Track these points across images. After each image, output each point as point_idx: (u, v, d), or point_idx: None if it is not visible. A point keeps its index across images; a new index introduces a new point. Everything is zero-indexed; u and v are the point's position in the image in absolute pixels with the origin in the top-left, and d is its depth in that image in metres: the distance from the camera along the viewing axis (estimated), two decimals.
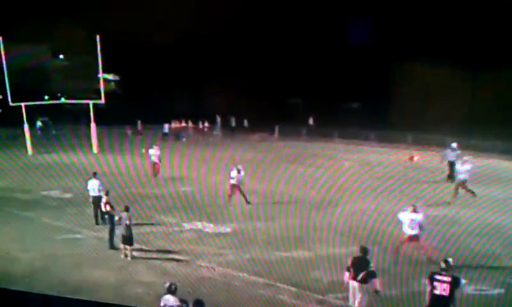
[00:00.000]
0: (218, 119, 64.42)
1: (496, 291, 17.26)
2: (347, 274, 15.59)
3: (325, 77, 63.89)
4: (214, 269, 19.25)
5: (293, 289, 17.29)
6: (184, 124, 64.22)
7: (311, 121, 61.83)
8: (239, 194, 28.45)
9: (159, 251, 21.09)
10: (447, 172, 34.35)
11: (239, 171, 28.55)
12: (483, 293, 17.13)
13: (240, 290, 17.31)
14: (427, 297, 14.02)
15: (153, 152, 35.16)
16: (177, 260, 20.17)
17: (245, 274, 18.56)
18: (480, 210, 25.50)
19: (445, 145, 40.85)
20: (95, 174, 25.97)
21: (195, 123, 65.40)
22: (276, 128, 61.60)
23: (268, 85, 66.81)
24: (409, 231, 19.90)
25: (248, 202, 28.17)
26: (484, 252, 20.29)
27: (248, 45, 65.59)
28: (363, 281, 15.25)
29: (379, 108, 58.31)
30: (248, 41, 65.39)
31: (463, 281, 17.00)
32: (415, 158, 42.73)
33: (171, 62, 69.16)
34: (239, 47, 66.33)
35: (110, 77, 65.60)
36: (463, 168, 29.41)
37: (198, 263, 19.82)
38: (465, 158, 30.88)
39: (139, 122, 60.79)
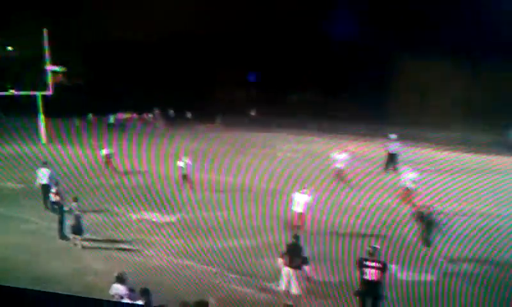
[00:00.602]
0: (157, 111, 64.29)
1: (428, 277, 17.60)
2: (280, 260, 15.78)
3: (268, 68, 64.01)
4: (162, 258, 19.29)
5: (240, 277, 17.39)
6: (130, 115, 63.52)
7: (253, 113, 61.82)
8: (184, 184, 28.64)
9: (108, 241, 20.98)
10: (384, 163, 34.34)
11: (185, 163, 28.70)
12: (415, 279, 17.43)
13: (188, 279, 17.34)
14: (359, 282, 14.25)
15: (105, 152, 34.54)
16: (126, 250, 20.11)
17: (192, 263, 18.61)
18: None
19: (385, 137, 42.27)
20: (45, 163, 25.77)
21: (141, 114, 64.82)
22: (219, 119, 61.48)
23: (212, 76, 66.61)
24: (297, 209, 22.18)
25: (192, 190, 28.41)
26: (416, 240, 20.66)
27: (193, 36, 65.18)
28: (297, 267, 15.47)
29: (319, 99, 58.96)
30: (193, 32, 64.98)
31: (394, 267, 17.56)
32: (351, 148, 43.27)
33: (119, 54, 68.34)
34: (184, 38, 65.90)
35: (58, 68, 64.28)
36: (339, 157, 30.51)
37: (147, 253, 19.82)
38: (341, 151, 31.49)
39: (91, 115, 60.16)
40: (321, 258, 18.70)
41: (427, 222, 20.12)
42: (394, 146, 34.74)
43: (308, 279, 15.51)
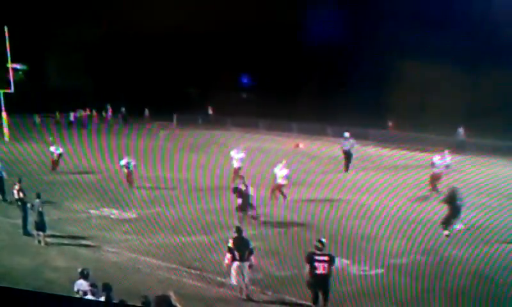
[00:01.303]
0: (109, 108, 63.93)
1: (377, 271, 17.86)
2: (228, 256, 15.74)
3: (220, 67, 63.70)
4: (121, 254, 19.41)
5: (195, 272, 17.50)
6: (88, 112, 62.72)
7: (210, 111, 61.71)
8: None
9: (70, 237, 21.00)
10: (342, 161, 34.14)
11: (128, 162, 28.86)
12: (365, 273, 17.70)
13: (146, 274, 17.48)
14: (307, 277, 14.37)
15: (53, 150, 33.64)
16: (87, 246, 20.16)
17: (150, 259, 18.72)
18: (361, 195, 26.64)
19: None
20: None
21: (99, 111, 64.11)
22: (175, 117, 61.31)
23: (166, 75, 66.05)
24: (280, 181, 25.69)
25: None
26: (363, 234, 21.10)
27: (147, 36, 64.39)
28: (246, 260, 15.59)
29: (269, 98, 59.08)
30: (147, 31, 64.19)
31: (347, 261, 18.02)
32: (300, 145, 43.83)
33: (79, 51, 67.24)
34: (138, 37, 65.04)
35: (18, 66, 63.16)
36: (238, 156, 30.32)
37: (106, 249, 19.91)
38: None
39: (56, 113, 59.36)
40: (271, 252, 19.08)
41: None
42: (347, 144, 34.40)
43: (250, 266, 15.71)
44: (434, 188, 27.67)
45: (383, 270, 17.98)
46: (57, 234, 21.18)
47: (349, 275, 17.25)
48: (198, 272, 17.48)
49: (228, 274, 16.13)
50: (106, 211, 24.51)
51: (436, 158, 28.78)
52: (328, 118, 48.55)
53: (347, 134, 34.65)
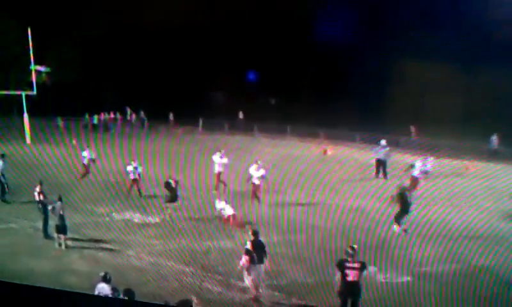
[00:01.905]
0: (131, 111, 64.28)
1: (404, 278, 17.80)
2: (246, 257, 15.88)
3: (246, 71, 63.84)
4: (143, 258, 19.45)
5: (218, 277, 17.55)
6: (112, 115, 63.29)
7: (241, 116, 61.00)
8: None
9: (91, 241, 21.11)
10: (374, 170, 33.38)
11: (134, 168, 28.40)
12: (392, 280, 17.62)
13: (168, 279, 17.51)
14: (338, 284, 14.25)
15: (86, 154, 32.72)
16: (108, 250, 20.26)
17: (172, 263, 18.79)
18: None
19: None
20: (2, 156, 26.13)
21: (123, 114, 64.60)
22: (200, 122, 61.30)
23: (191, 78, 66.22)
24: (255, 181, 26.45)
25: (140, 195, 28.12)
26: (391, 241, 21.09)
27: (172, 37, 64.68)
28: (262, 262, 15.82)
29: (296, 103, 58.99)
30: (171, 33, 64.48)
31: (374, 269, 17.83)
32: (328, 152, 43.61)
33: (99, 53, 67.81)
34: (163, 38, 65.35)
35: (41, 68, 63.82)
36: (221, 161, 29.61)
37: (128, 253, 19.98)
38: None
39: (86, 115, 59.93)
40: (298, 259, 19.00)
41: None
42: (382, 152, 33.65)
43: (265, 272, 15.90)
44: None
45: (410, 278, 17.90)
46: (79, 237, 21.32)
47: (375, 282, 17.13)
48: (221, 277, 17.50)
49: (241, 276, 16.28)
50: (129, 215, 24.62)
51: (418, 163, 29.33)
52: (354, 123, 48.45)
53: (383, 142, 34.04)
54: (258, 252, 15.82)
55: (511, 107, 40.57)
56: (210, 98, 68.48)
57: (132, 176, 28.30)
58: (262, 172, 27.04)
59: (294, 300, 16.06)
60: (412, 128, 48.61)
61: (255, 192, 26.97)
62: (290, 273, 17.77)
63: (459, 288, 17.12)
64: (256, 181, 26.91)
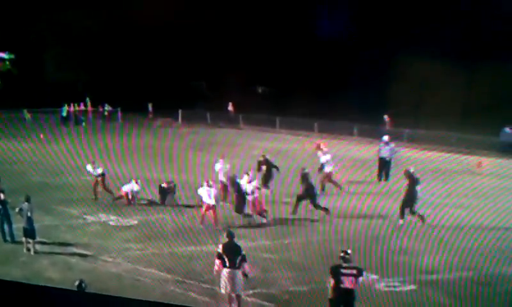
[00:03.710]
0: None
1: (408, 287, 17.73)
2: (217, 262, 15.66)
3: (231, 60, 63.74)
4: (121, 264, 19.44)
5: (203, 285, 17.44)
6: (82, 107, 62.48)
7: (230, 107, 60.61)
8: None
9: (63, 245, 21.09)
10: (376, 170, 32.32)
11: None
12: (395, 289, 17.57)
13: (148, 287, 17.49)
14: (331, 292, 14.08)
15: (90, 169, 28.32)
16: (82, 255, 20.19)
17: (153, 270, 18.76)
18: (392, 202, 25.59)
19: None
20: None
21: (94, 106, 63.83)
22: (180, 113, 61.17)
23: (171, 66, 66.05)
24: (208, 201, 23.28)
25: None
26: (395, 247, 20.96)
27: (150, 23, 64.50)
28: (238, 267, 15.47)
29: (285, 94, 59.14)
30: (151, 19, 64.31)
31: (376, 276, 17.89)
32: (322, 146, 43.14)
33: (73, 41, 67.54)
34: (140, 24, 65.14)
35: (3, 54, 63.34)
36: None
37: (104, 258, 19.93)
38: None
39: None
40: (290, 265, 19.09)
41: None
42: (386, 150, 32.45)
43: (245, 276, 15.65)
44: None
45: (415, 286, 17.82)
46: (50, 241, 21.25)
47: (375, 291, 17.09)
48: (208, 286, 17.32)
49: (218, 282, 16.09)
50: (104, 217, 24.52)
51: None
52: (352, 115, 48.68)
53: (386, 138, 33.10)
54: (231, 255, 15.50)
55: None
56: (192, 88, 68.37)
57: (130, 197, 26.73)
58: (254, 184, 25.03)
59: None
60: (386, 118, 48.47)
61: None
62: (281, 280, 17.81)
63: (472, 298, 17.16)
64: (250, 197, 24.66)
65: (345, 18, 56.50)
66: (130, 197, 26.51)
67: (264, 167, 29.13)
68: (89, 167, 27.70)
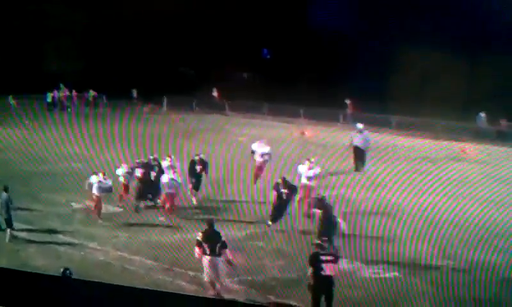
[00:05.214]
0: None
1: (392, 274, 17.92)
2: (197, 249, 15.98)
3: (214, 46, 63.36)
4: (108, 252, 19.53)
5: (191, 273, 17.53)
6: (67, 93, 61.84)
7: (215, 93, 59.90)
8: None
9: (49, 232, 21.19)
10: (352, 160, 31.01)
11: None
12: (379, 276, 17.76)
13: (136, 275, 17.62)
14: (310, 279, 14.49)
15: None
16: (69, 243, 20.28)
17: (141, 258, 18.87)
18: (378, 191, 26.09)
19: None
20: None
21: (80, 91, 63.19)
22: (165, 100, 60.94)
23: (157, 51, 65.52)
24: (167, 190, 23.08)
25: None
26: (379, 235, 21.02)
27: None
28: (219, 254, 15.75)
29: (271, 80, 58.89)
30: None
31: (358, 264, 18.08)
32: (306, 133, 43.32)
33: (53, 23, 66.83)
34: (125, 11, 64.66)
35: None
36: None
37: (91, 246, 20.00)
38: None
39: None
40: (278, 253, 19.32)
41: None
42: (360, 138, 31.04)
43: (229, 262, 15.95)
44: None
45: (399, 273, 18.06)
46: (36, 229, 21.35)
47: (360, 278, 17.40)
48: (196, 274, 17.35)
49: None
50: (91, 204, 24.44)
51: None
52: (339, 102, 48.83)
53: (360, 125, 31.74)
54: (211, 243, 15.76)
55: None
56: (178, 74, 67.95)
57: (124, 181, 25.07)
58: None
59: (272, 298, 16.27)
60: (348, 102, 48.91)
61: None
62: (269, 268, 18.03)
63: (453, 285, 17.38)
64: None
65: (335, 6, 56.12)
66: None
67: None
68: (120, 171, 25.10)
